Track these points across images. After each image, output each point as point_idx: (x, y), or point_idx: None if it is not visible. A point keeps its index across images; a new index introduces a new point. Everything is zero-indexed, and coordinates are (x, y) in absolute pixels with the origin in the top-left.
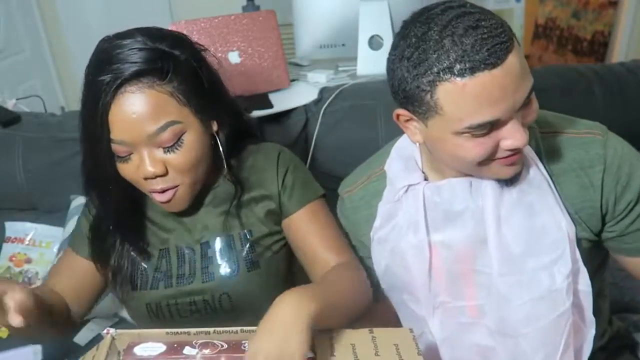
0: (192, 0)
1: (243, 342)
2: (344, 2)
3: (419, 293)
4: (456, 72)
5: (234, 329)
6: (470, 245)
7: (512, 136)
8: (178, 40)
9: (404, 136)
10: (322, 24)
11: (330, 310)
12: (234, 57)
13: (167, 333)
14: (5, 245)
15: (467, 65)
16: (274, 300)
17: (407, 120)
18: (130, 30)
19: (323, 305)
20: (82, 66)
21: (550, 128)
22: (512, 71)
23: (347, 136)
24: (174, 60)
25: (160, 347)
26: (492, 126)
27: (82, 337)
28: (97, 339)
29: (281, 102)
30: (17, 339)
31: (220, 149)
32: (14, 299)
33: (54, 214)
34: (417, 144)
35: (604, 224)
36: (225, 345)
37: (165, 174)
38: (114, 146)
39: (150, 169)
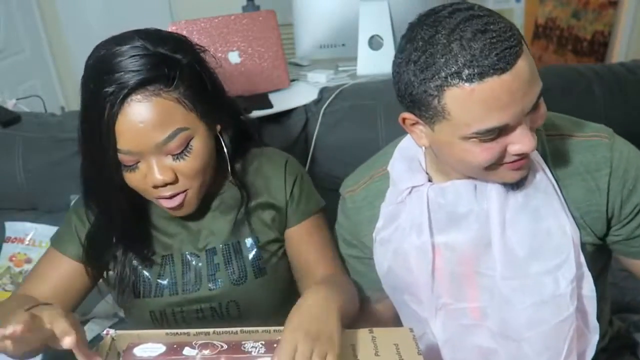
0: (192, 0)
1: (243, 342)
2: (344, 2)
3: (421, 294)
4: (465, 77)
5: (233, 329)
6: (473, 247)
7: (521, 141)
8: (179, 43)
9: (407, 136)
10: (322, 24)
11: (344, 307)
12: (234, 57)
13: (167, 334)
14: (5, 245)
15: (476, 71)
16: (278, 304)
17: (413, 124)
18: (127, 34)
19: (341, 301)
20: (82, 66)
21: (556, 131)
22: (521, 76)
23: (347, 136)
24: (178, 65)
25: (160, 348)
26: (500, 131)
27: None
28: (96, 339)
29: (281, 102)
30: None
31: (225, 150)
32: (60, 328)
33: (54, 214)
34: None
35: (609, 227)
36: (225, 346)
37: (175, 181)
38: (120, 156)
39: (159, 177)
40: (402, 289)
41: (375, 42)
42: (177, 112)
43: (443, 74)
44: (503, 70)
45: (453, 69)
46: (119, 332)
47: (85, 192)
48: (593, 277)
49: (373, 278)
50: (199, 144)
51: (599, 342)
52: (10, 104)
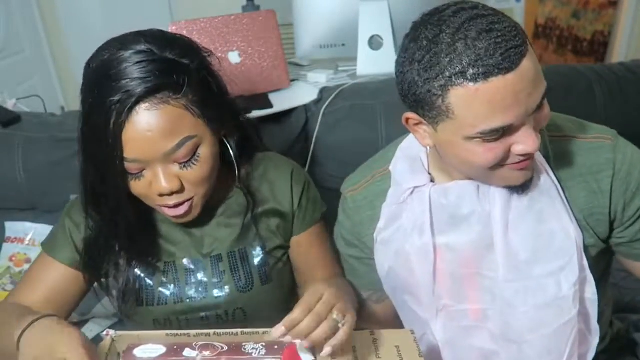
0: (192, 0)
1: (243, 344)
2: (344, 2)
3: (422, 295)
4: (469, 77)
5: (234, 330)
6: (475, 249)
7: (524, 142)
8: (186, 46)
9: (409, 136)
10: (322, 24)
11: None
12: (234, 57)
13: (167, 335)
14: (5, 245)
15: (481, 70)
16: (283, 310)
17: (417, 124)
18: (131, 36)
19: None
20: (82, 66)
21: (560, 132)
22: (526, 76)
23: (347, 136)
24: (186, 70)
25: (160, 349)
26: (504, 131)
27: None
28: (96, 340)
29: (281, 102)
30: None
31: (232, 153)
32: None
33: (53, 214)
34: (427, 147)
35: (612, 230)
36: (226, 347)
37: (181, 189)
38: (126, 164)
39: (166, 185)
40: (403, 290)
41: (375, 42)
42: (185, 120)
43: (447, 74)
44: (508, 70)
45: (458, 69)
46: (119, 332)
47: (86, 201)
48: (595, 279)
49: (373, 278)
50: (206, 151)
51: (600, 344)
52: (10, 104)
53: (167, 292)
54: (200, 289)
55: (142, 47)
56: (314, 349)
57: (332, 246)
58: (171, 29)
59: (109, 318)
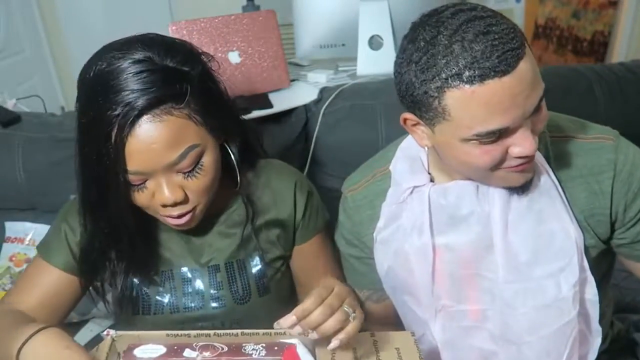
0: (192, 0)
1: (243, 344)
2: (344, 2)
3: (421, 295)
4: (465, 79)
5: (234, 331)
6: (474, 249)
7: (521, 144)
8: (187, 53)
9: (409, 136)
10: (322, 24)
11: None
12: (234, 57)
13: (168, 335)
14: (5, 245)
15: (477, 73)
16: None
17: (415, 125)
18: (128, 44)
19: None
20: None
21: (561, 132)
22: (523, 79)
23: (347, 136)
24: (188, 79)
25: (161, 349)
26: (501, 134)
27: (81, 337)
28: (96, 340)
29: (281, 102)
30: None
31: (233, 159)
32: None
33: (53, 214)
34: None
35: (613, 231)
36: (226, 348)
37: (185, 200)
38: (128, 176)
39: (169, 196)
40: (402, 290)
41: (375, 42)
42: (188, 129)
43: (444, 75)
44: (504, 73)
45: (454, 71)
46: (119, 332)
47: (84, 213)
48: (596, 280)
49: (373, 278)
50: (209, 159)
51: (600, 345)
52: (10, 104)
53: (164, 301)
54: (197, 300)
55: (140, 55)
56: (314, 350)
57: (334, 250)
58: (171, 29)
59: (108, 318)
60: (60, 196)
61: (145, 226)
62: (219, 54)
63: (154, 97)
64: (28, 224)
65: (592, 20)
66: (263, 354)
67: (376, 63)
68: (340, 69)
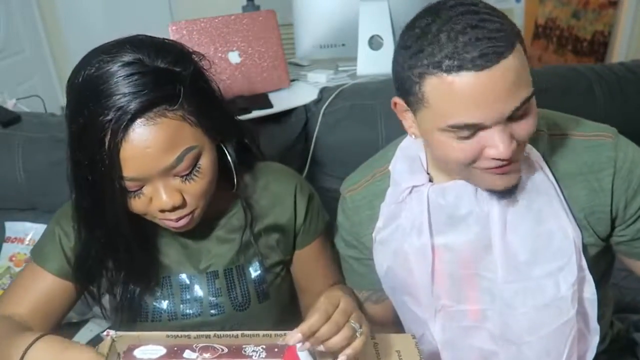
0: (192, 0)
1: (244, 346)
2: (344, 2)
3: (420, 296)
4: (444, 68)
5: (234, 332)
6: (473, 249)
7: (496, 146)
8: (178, 53)
9: (408, 136)
10: (322, 24)
11: None
12: (234, 57)
13: (168, 336)
14: (5, 245)
15: (455, 63)
16: (281, 326)
17: (404, 112)
18: (116, 46)
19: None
20: None
21: (560, 130)
22: (502, 77)
23: (347, 136)
24: (180, 79)
25: (161, 350)
26: (476, 130)
27: (81, 337)
28: (96, 340)
29: (281, 102)
30: None
31: (230, 159)
32: None
33: (53, 214)
34: (420, 142)
35: (613, 228)
36: (226, 350)
37: (183, 204)
38: (124, 183)
39: (167, 201)
40: (402, 290)
41: (375, 42)
42: (183, 131)
43: (426, 62)
44: (481, 67)
45: (436, 58)
46: (119, 333)
47: (79, 222)
48: (595, 280)
49: (372, 279)
50: (207, 161)
51: (599, 344)
52: (10, 104)
53: (161, 308)
54: (195, 307)
55: (130, 57)
56: (314, 352)
57: (333, 252)
58: (171, 29)
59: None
60: (60, 196)
61: (143, 233)
62: (219, 54)
63: (147, 99)
64: (28, 224)
65: (592, 20)
66: (263, 356)
67: (376, 63)
68: (340, 69)
